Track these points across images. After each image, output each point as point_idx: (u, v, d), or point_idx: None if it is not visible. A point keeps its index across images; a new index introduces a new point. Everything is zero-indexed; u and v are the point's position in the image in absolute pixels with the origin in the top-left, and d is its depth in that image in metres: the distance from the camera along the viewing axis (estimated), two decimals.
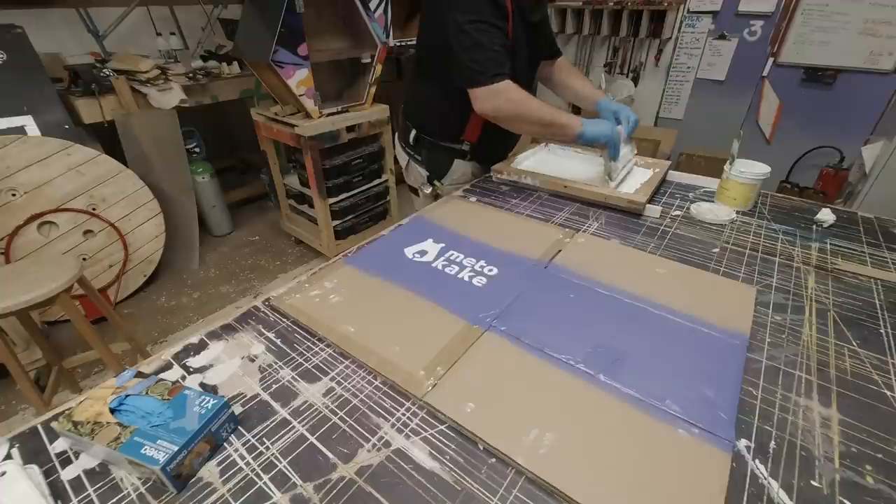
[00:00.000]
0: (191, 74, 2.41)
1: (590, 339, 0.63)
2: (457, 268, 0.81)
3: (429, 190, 1.31)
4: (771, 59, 2.74)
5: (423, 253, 0.86)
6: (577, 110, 2.49)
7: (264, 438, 0.52)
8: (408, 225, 0.98)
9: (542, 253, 0.84)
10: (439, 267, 0.81)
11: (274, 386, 0.59)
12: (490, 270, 0.80)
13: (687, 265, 0.83)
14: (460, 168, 1.27)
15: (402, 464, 0.49)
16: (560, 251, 0.85)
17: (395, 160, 1.47)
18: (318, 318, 0.69)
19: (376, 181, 2.60)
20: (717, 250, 0.89)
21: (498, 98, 0.99)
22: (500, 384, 0.57)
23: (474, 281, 0.77)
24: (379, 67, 2.29)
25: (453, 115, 1.18)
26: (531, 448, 0.48)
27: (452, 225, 0.96)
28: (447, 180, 1.28)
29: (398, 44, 3.38)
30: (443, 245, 0.88)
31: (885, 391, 0.57)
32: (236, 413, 0.55)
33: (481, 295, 0.73)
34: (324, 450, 0.51)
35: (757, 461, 0.49)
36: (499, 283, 0.76)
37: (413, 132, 1.27)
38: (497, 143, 1.15)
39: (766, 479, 0.47)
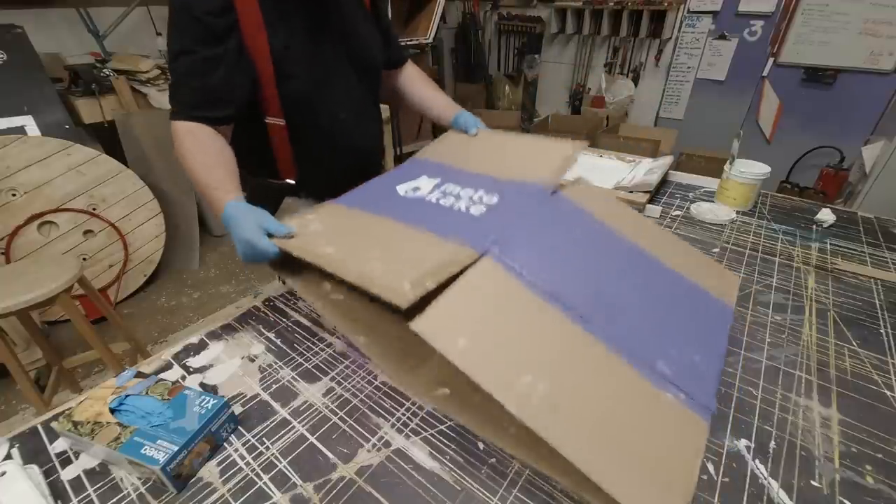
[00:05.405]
0: None
1: (591, 284, 0.60)
2: (453, 199, 0.71)
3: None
4: (771, 59, 2.74)
5: (416, 189, 0.77)
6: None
7: (264, 438, 0.52)
8: (402, 167, 0.87)
9: (550, 175, 0.74)
10: (433, 200, 0.72)
11: (274, 386, 0.59)
12: (490, 199, 0.70)
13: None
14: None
15: (402, 464, 0.49)
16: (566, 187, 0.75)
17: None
18: (292, 243, 0.62)
19: None
20: (717, 250, 0.89)
21: (175, 141, 0.77)
22: (494, 321, 0.51)
23: (472, 210, 0.68)
24: None
25: (256, 147, 0.87)
26: (523, 396, 0.44)
27: (451, 161, 0.85)
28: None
29: None
30: (438, 180, 0.78)
31: (885, 391, 0.57)
32: (236, 413, 0.55)
33: (479, 222, 0.65)
34: (324, 450, 0.51)
35: (757, 461, 0.49)
36: (499, 211, 0.67)
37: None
38: (337, 172, 0.92)
39: (766, 479, 0.47)
